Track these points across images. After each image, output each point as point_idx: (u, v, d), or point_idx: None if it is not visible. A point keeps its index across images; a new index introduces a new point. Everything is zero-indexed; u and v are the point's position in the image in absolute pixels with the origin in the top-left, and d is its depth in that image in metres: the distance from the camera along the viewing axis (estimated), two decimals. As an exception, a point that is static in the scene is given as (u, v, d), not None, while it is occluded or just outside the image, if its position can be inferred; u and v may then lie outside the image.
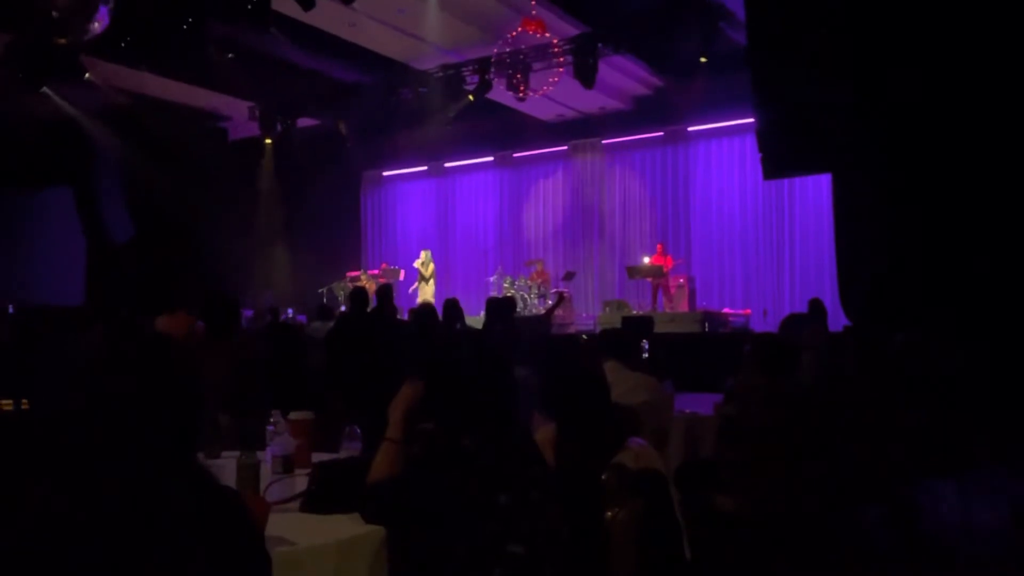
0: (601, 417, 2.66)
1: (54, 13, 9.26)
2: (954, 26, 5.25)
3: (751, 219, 13.69)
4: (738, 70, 8.04)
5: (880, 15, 5.56)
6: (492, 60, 12.29)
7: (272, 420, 3.02)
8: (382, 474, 2.14)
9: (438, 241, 16.48)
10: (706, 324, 11.06)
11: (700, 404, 4.96)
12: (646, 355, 5.60)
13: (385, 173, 17.53)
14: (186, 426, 1.47)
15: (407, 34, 11.65)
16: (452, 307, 7.48)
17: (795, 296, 12.82)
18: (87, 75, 11.64)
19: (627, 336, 4.81)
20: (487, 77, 12.57)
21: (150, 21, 10.46)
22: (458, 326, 7.32)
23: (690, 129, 14.15)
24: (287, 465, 2.78)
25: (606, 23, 11.62)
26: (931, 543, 3.74)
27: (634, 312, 11.93)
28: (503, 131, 15.08)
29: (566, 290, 13.56)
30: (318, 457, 2.81)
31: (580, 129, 15.04)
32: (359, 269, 15.52)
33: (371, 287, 11.13)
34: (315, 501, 2.37)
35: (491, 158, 16.26)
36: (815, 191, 12.61)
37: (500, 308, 7.18)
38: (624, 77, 13.13)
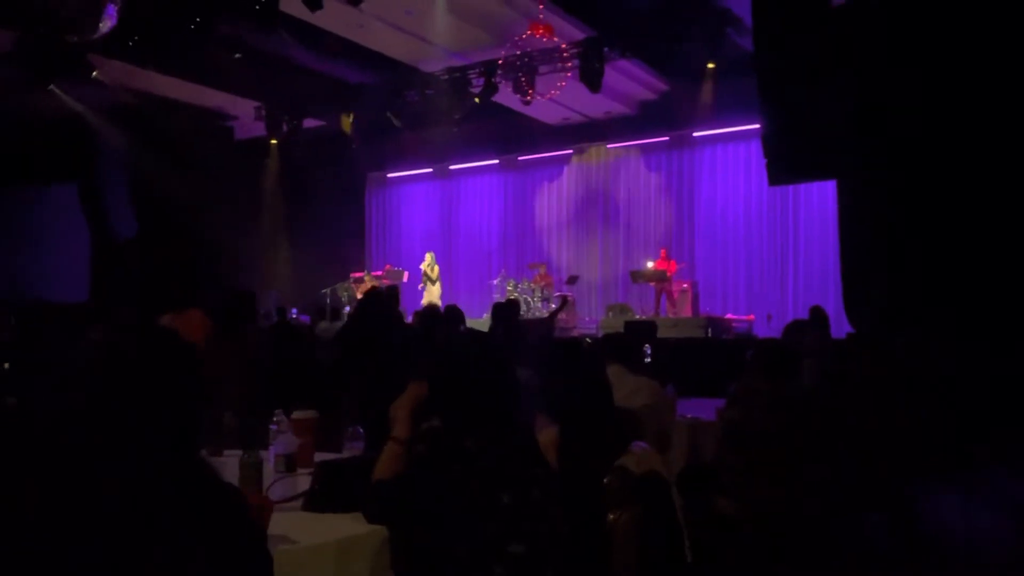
0: (603, 420, 2.67)
1: (62, 11, 9.30)
2: (955, 28, 5.25)
3: (755, 225, 13.69)
4: (744, 76, 8.03)
5: (884, 20, 5.56)
6: (499, 63, 12.31)
7: (275, 419, 3.03)
8: (385, 474, 2.15)
9: (442, 243, 16.48)
10: (709, 330, 11.06)
11: (703, 409, 4.95)
12: (649, 360, 5.60)
13: (390, 174, 17.53)
14: (187, 425, 1.47)
15: (414, 36, 11.67)
16: (453, 312, 7.48)
17: (799, 302, 12.80)
18: (95, 73, 11.68)
19: (630, 340, 4.80)
20: (493, 80, 12.57)
21: (158, 20, 10.49)
22: (461, 329, 7.33)
23: (695, 134, 14.13)
24: (290, 464, 2.79)
25: (613, 27, 11.63)
26: (932, 545, 3.74)
27: (637, 317, 11.91)
28: (508, 134, 15.10)
29: (569, 294, 13.55)
30: (321, 456, 2.81)
31: (585, 133, 15.04)
32: (363, 270, 15.50)
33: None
34: (317, 500, 2.37)
35: (496, 161, 16.25)
36: (820, 198, 12.61)
37: (504, 311, 7.19)
38: (630, 82, 13.14)
